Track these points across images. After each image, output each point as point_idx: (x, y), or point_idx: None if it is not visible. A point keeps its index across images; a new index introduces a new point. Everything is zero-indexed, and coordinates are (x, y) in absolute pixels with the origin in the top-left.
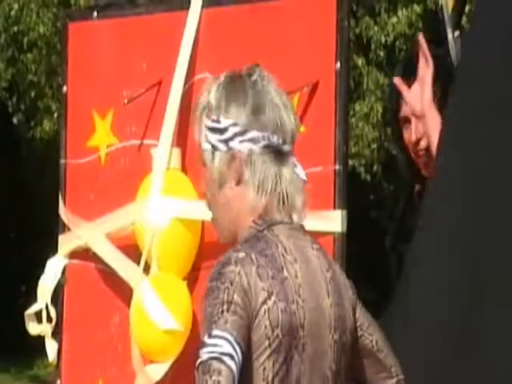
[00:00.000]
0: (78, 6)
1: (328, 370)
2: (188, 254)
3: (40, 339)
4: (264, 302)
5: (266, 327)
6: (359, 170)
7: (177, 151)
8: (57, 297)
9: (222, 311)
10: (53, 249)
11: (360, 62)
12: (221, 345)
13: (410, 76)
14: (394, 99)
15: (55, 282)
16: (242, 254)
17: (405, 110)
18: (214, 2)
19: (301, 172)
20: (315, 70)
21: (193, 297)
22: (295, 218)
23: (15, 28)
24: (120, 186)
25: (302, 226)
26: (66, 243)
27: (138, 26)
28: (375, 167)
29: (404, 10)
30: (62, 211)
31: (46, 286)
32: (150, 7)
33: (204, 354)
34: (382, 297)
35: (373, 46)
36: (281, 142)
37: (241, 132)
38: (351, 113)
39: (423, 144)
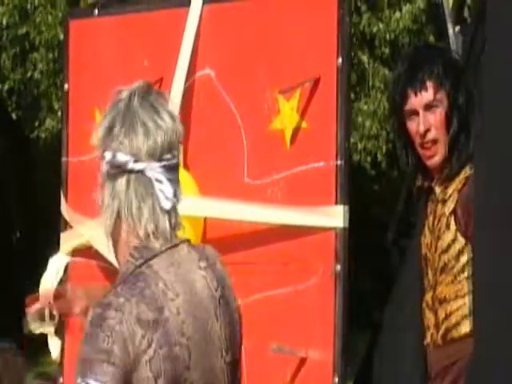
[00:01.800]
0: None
1: None
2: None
3: (44, 336)
4: (144, 352)
5: (148, 379)
6: (365, 164)
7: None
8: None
9: (101, 360)
10: (55, 246)
11: (364, 58)
12: None
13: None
14: (399, 92)
15: (58, 280)
16: (121, 300)
17: (412, 103)
18: None
19: (169, 190)
20: (317, 66)
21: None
22: (178, 233)
23: (24, 29)
24: None
25: (186, 241)
26: (68, 241)
27: (139, 23)
28: (382, 162)
29: (408, 4)
30: (64, 209)
31: (48, 283)
32: (151, 4)
33: None
34: (384, 289)
35: (377, 42)
36: (127, 158)
37: (104, 149)
38: (359, 109)
39: (430, 136)
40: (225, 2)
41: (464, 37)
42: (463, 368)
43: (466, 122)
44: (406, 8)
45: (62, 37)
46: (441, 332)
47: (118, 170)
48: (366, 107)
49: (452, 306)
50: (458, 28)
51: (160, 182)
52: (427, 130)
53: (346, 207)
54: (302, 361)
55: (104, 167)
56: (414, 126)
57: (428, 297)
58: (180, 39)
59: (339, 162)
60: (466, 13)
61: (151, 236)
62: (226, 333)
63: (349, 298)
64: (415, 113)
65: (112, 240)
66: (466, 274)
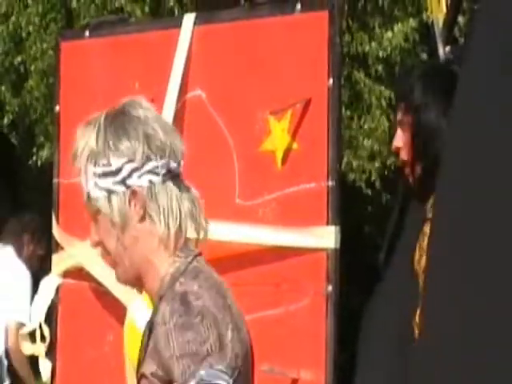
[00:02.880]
0: None
1: None
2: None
3: (34, 359)
4: (226, 335)
5: (231, 359)
6: (360, 184)
7: None
8: (50, 316)
9: (209, 345)
10: (46, 268)
11: (360, 76)
12: (223, 378)
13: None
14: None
15: (49, 302)
16: (195, 288)
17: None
18: (205, 19)
19: (194, 190)
20: (308, 87)
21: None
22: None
23: (19, 58)
24: None
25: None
26: (60, 262)
27: (130, 45)
28: (377, 182)
29: (400, 24)
30: (55, 230)
31: (39, 305)
32: (142, 25)
33: None
34: None
35: (370, 61)
36: (176, 165)
37: (137, 167)
38: (357, 128)
39: (402, 155)
40: (216, 24)
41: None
42: None
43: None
44: (398, 27)
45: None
46: None
47: (171, 176)
48: (366, 126)
49: None
50: (448, 48)
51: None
52: (398, 149)
53: (338, 228)
54: (294, 382)
55: (147, 178)
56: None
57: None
58: (171, 60)
59: (330, 183)
60: (457, 33)
61: (187, 239)
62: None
63: (340, 318)
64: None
65: (135, 251)
66: None
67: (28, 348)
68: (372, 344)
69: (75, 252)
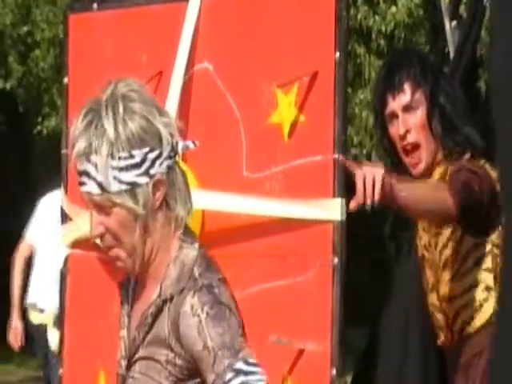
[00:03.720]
0: None
1: None
2: None
3: (43, 328)
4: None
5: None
6: (362, 159)
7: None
8: (60, 285)
9: (241, 338)
10: None
11: (361, 51)
12: (259, 371)
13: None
14: (378, 97)
15: (57, 272)
16: (214, 280)
17: (391, 106)
18: None
19: None
20: (314, 60)
21: None
22: None
23: (24, 28)
24: None
25: None
26: (68, 233)
27: (138, 17)
28: (372, 155)
29: None
30: (64, 201)
31: (46, 275)
32: None
33: (258, 382)
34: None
35: (373, 35)
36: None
37: (157, 155)
38: (355, 102)
39: (411, 138)
40: None
41: (460, 32)
42: (485, 360)
43: (450, 122)
44: (402, 2)
45: (56, 33)
46: (456, 330)
47: (175, 160)
48: (362, 97)
49: (460, 302)
50: (454, 23)
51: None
52: (407, 132)
53: (344, 200)
54: (300, 352)
55: (167, 164)
56: (395, 129)
57: (433, 298)
58: (179, 33)
59: (336, 156)
60: (462, 9)
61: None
62: None
63: (345, 292)
64: (395, 116)
65: (152, 237)
66: (467, 264)
67: (37, 317)
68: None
69: (83, 223)
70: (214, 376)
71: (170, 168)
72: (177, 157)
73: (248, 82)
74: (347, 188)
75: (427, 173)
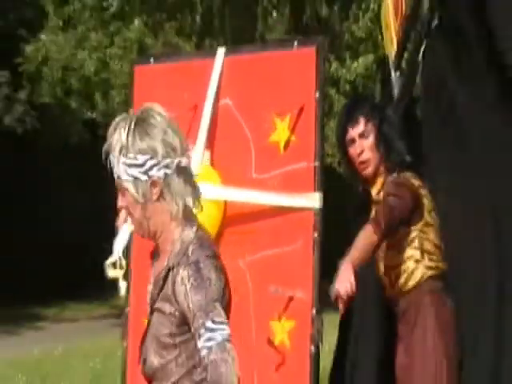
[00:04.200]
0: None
1: None
2: (215, 224)
3: (116, 279)
4: (223, 287)
5: (224, 303)
6: (334, 165)
7: (207, 153)
8: (127, 251)
9: (215, 303)
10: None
11: (332, 92)
12: (225, 328)
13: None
14: (341, 129)
15: (125, 242)
16: (203, 256)
17: (351, 134)
18: (232, 52)
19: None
20: (301, 98)
21: None
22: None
23: (104, 75)
24: None
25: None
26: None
27: (182, 69)
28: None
29: (362, 57)
30: None
31: (119, 244)
32: (190, 56)
33: (217, 337)
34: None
35: (341, 82)
36: (184, 160)
37: (156, 163)
38: (329, 126)
39: (364, 156)
40: (239, 55)
41: (401, 79)
42: (414, 307)
43: (389, 145)
44: (362, 59)
45: (126, 79)
46: (397, 288)
47: (180, 168)
48: (332, 124)
49: (398, 270)
50: (398, 73)
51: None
52: (361, 152)
53: (321, 194)
54: (290, 298)
55: (163, 172)
56: (353, 150)
57: (381, 267)
58: (209, 79)
59: (317, 163)
60: (403, 63)
61: (191, 212)
62: None
63: (322, 256)
64: (353, 141)
65: (152, 219)
66: (402, 245)
67: (111, 272)
68: None
69: None
70: (193, 330)
71: (166, 174)
72: (174, 170)
73: (256, 112)
74: (323, 185)
75: (372, 178)
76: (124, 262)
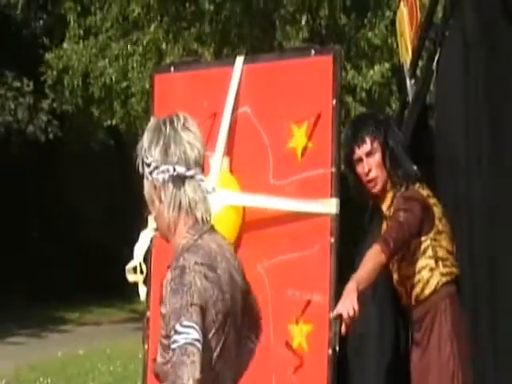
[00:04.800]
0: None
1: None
2: (234, 229)
3: (136, 284)
4: (210, 297)
5: (212, 315)
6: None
7: (226, 159)
8: (147, 256)
9: (188, 307)
10: (144, 224)
11: (349, 100)
12: (191, 332)
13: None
14: (348, 148)
15: (146, 247)
16: (192, 263)
17: (358, 153)
18: (251, 60)
19: (207, 185)
20: (318, 105)
21: (237, 256)
22: (210, 219)
23: (124, 83)
24: None
25: (213, 227)
26: (153, 221)
27: (201, 77)
28: None
29: (378, 65)
30: None
31: (140, 249)
32: (209, 64)
33: (180, 340)
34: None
35: (357, 90)
36: (184, 169)
37: (156, 167)
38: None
39: (372, 174)
40: (258, 63)
41: (416, 86)
42: (431, 313)
43: (396, 160)
44: (378, 67)
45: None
46: (413, 297)
47: (177, 177)
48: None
49: (414, 280)
50: (413, 81)
51: (203, 181)
52: (369, 171)
53: (338, 200)
54: (308, 302)
55: (161, 177)
56: (361, 169)
57: (396, 277)
58: (227, 87)
59: (333, 170)
60: (418, 71)
61: (202, 220)
62: (241, 285)
63: (339, 260)
64: (360, 160)
65: (170, 226)
66: (416, 255)
67: (132, 277)
68: None
69: None
70: (168, 332)
71: (164, 180)
72: (167, 176)
73: (274, 120)
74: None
75: (382, 194)
76: (144, 267)
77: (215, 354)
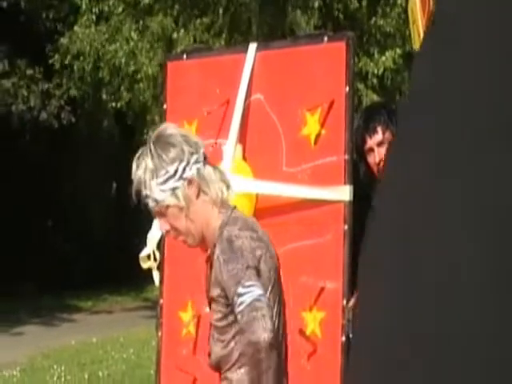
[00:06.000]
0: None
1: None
2: (247, 215)
3: (149, 272)
4: (261, 256)
5: (265, 271)
6: None
7: (240, 147)
8: (160, 244)
9: (246, 270)
10: None
11: (361, 87)
12: (254, 290)
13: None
14: (360, 138)
15: (159, 235)
16: (236, 231)
17: (369, 143)
18: (263, 47)
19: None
20: (332, 92)
21: None
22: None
23: (132, 67)
24: None
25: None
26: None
27: (214, 64)
28: None
29: (390, 51)
30: None
31: (152, 237)
32: (221, 51)
33: (247, 299)
34: None
35: (369, 76)
36: (204, 153)
37: (186, 164)
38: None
39: (383, 164)
40: (270, 50)
41: None
42: None
43: None
44: (389, 53)
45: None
46: None
47: (202, 162)
48: None
49: None
50: None
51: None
52: (380, 161)
53: (351, 187)
54: (322, 289)
55: (195, 167)
56: (372, 159)
57: None
58: (241, 74)
59: (347, 157)
60: None
61: (225, 199)
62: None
63: (351, 247)
64: (372, 150)
65: (199, 219)
66: None
67: (145, 264)
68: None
69: None
70: (230, 300)
71: (198, 169)
72: (202, 162)
73: (287, 107)
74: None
75: None
76: (158, 254)
77: (274, 311)
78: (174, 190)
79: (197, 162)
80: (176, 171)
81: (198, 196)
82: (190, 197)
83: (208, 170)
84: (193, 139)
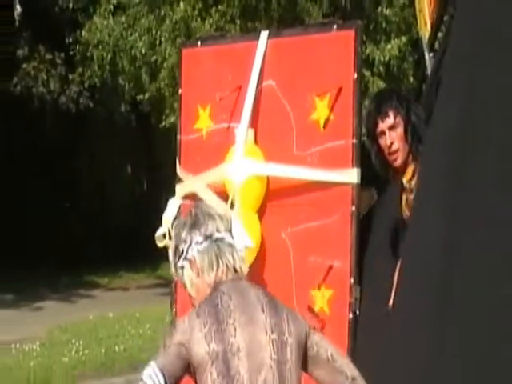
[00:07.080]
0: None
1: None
2: (258, 197)
3: (164, 250)
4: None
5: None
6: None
7: (251, 131)
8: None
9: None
10: (172, 193)
11: (367, 74)
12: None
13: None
14: (371, 121)
15: (174, 215)
16: (194, 315)
17: (381, 127)
18: (275, 34)
19: (237, 240)
20: (340, 79)
21: (261, 224)
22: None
23: (153, 57)
24: (215, 153)
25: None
26: (181, 189)
27: (227, 51)
28: None
29: (396, 39)
30: (178, 169)
31: (167, 216)
32: (234, 38)
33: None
34: None
35: (376, 63)
36: (202, 238)
37: (187, 247)
38: (364, 106)
39: (394, 147)
40: (282, 37)
41: (434, 60)
42: None
43: (417, 134)
44: (395, 41)
45: (174, 61)
46: None
47: (206, 242)
48: (367, 103)
49: None
50: (431, 54)
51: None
52: (392, 143)
53: (359, 169)
54: (330, 267)
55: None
56: (383, 142)
57: None
58: (253, 61)
59: (354, 141)
60: (436, 45)
61: (224, 276)
62: (271, 321)
63: (359, 226)
64: (383, 133)
65: (199, 295)
66: None
67: (161, 243)
68: None
69: (191, 183)
70: None
71: (198, 250)
72: (205, 243)
73: (297, 92)
74: (360, 162)
75: (403, 167)
76: (173, 233)
77: None
78: (182, 269)
79: (197, 243)
80: (182, 252)
81: (197, 276)
82: (191, 277)
83: (208, 253)
84: (198, 231)
